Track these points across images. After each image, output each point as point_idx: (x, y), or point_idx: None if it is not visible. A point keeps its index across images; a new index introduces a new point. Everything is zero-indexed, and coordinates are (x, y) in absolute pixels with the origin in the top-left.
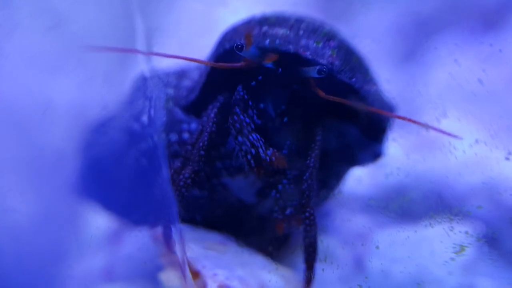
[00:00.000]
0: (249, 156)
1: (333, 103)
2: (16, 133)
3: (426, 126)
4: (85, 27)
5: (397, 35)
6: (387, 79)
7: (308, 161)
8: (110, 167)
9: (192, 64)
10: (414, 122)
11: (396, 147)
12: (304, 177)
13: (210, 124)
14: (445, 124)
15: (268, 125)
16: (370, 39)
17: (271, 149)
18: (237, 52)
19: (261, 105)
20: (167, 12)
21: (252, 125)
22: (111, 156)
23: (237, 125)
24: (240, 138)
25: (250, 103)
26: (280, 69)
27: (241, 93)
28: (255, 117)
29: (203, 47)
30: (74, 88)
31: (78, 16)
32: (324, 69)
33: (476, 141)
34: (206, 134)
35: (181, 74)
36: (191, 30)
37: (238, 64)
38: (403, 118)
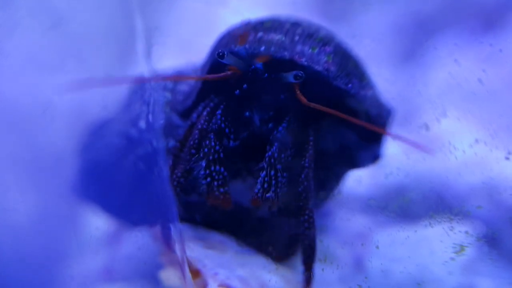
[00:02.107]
0: (203, 182)
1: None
2: (16, 132)
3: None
4: (85, 26)
5: (397, 35)
6: (387, 79)
7: (302, 162)
8: (108, 171)
9: (189, 67)
10: (395, 137)
11: (396, 147)
12: (300, 179)
13: (202, 121)
14: (445, 124)
15: (255, 132)
16: (370, 39)
17: (226, 188)
18: (220, 60)
19: (246, 113)
20: (167, 11)
21: (221, 155)
22: (109, 160)
23: (206, 149)
24: (203, 163)
25: (227, 130)
26: (266, 74)
27: (219, 121)
28: (231, 142)
29: (203, 47)
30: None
31: (78, 15)
32: (300, 74)
33: (476, 141)
34: (196, 132)
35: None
36: (191, 30)
37: (223, 74)
38: (386, 133)
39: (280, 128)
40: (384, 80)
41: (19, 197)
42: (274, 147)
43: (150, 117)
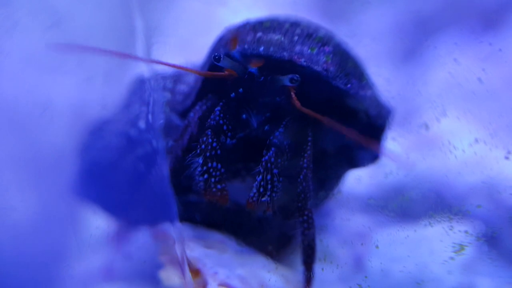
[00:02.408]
0: (200, 178)
1: (324, 108)
2: (16, 132)
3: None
4: (84, 25)
5: (397, 34)
6: (387, 78)
7: (301, 162)
8: (107, 171)
9: (189, 67)
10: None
11: (396, 146)
12: (299, 179)
13: (196, 119)
14: (444, 123)
15: (253, 134)
16: (370, 38)
17: (223, 184)
18: (215, 63)
19: (243, 116)
20: (166, 11)
21: (219, 151)
22: (108, 160)
23: (203, 146)
24: (200, 160)
25: (225, 128)
26: (262, 78)
27: (217, 118)
28: (228, 140)
29: (202, 46)
30: (73, 87)
31: (77, 15)
32: (296, 78)
33: (476, 140)
34: (189, 129)
35: (177, 78)
36: (191, 29)
37: (219, 73)
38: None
39: (277, 133)
40: (384, 80)
41: (19, 196)
42: (271, 152)
43: (150, 117)
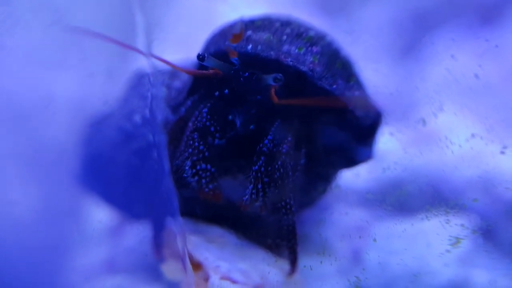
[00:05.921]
0: (191, 179)
1: (310, 108)
2: (18, 127)
3: None
4: (85, 22)
5: (395, 30)
6: (385, 74)
7: (281, 148)
8: (109, 164)
9: (188, 63)
10: None
11: (393, 141)
12: (276, 166)
13: (184, 110)
14: (442, 119)
15: (240, 133)
16: (369, 34)
17: (215, 184)
18: (200, 62)
19: (230, 116)
20: (166, 7)
21: (206, 153)
22: (110, 153)
23: (190, 150)
24: (188, 162)
25: (212, 129)
26: (246, 74)
27: (204, 119)
28: (216, 140)
29: (202, 43)
30: (75, 83)
31: (79, 11)
32: (279, 77)
33: (472, 135)
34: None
35: (173, 73)
36: (191, 25)
37: (207, 72)
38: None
39: (266, 141)
40: (382, 75)
41: (21, 190)
42: (261, 161)
43: (147, 111)
